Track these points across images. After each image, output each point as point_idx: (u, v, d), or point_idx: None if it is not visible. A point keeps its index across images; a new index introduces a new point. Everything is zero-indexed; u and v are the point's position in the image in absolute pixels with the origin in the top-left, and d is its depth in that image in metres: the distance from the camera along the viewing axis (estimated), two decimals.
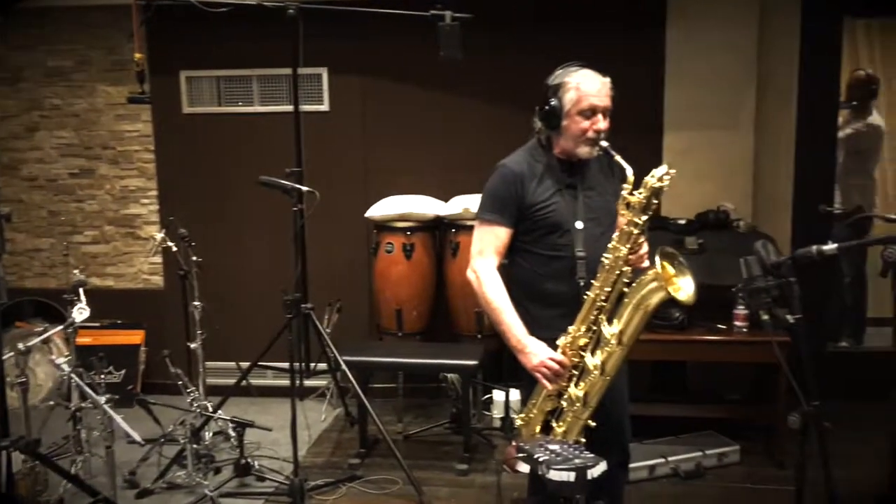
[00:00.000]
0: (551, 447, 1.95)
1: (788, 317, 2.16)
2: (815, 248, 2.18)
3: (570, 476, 1.85)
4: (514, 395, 4.16)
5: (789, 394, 4.00)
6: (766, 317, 2.26)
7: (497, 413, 4.46)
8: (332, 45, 4.64)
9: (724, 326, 3.91)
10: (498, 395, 4.45)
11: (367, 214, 4.56)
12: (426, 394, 4.82)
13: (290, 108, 3.94)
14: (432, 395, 4.82)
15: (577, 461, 1.87)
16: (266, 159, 4.46)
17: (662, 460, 3.78)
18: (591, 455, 1.94)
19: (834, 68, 4.58)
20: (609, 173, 2.63)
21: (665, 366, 4.38)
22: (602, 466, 1.92)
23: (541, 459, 1.90)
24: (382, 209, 4.51)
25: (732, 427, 4.10)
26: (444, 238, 4.60)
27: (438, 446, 4.20)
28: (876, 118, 5.29)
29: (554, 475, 1.87)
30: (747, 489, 3.66)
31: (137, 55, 3.94)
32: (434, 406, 4.73)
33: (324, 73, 4.74)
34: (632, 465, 3.66)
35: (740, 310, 3.86)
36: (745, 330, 3.85)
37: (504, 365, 4.39)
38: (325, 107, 4.78)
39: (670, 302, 2.36)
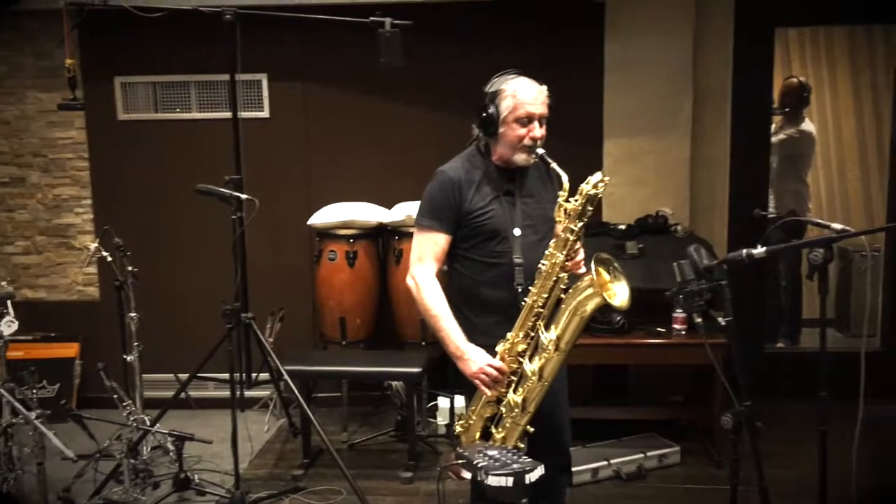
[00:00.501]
0: (490, 453, 1.96)
1: (720, 319, 2.21)
2: (744, 251, 2.23)
3: (509, 481, 1.85)
4: (460, 401, 4.15)
5: (727, 394, 4.11)
6: (699, 319, 2.31)
7: (442, 420, 4.46)
8: (272, 51, 4.59)
9: (663, 330, 3.97)
10: (443, 402, 4.45)
11: (309, 222, 4.52)
12: (371, 402, 4.79)
13: (228, 114, 3.88)
14: (377, 403, 4.79)
15: (515, 466, 1.88)
16: (205, 167, 4.38)
17: (605, 463, 3.82)
18: (529, 460, 1.96)
19: (766, 76, 4.70)
20: (547, 180, 2.66)
21: (607, 369, 4.43)
22: (540, 471, 1.93)
23: (479, 465, 1.90)
24: (325, 217, 4.48)
25: (673, 428, 4.17)
26: (387, 245, 4.58)
27: (383, 455, 4.18)
28: (808, 124, 5.45)
29: (492, 481, 1.87)
30: (687, 489, 3.72)
31: (69, 61, 3.85)
32: (379, 414, 4.70)
33: (263, 79, 4.69)
34: (575, 469, 3.69)
35: (679, 313, 3.93)
36: (683, 333, 3.92)
37: (449, 371, 4.36)
38: (265, 113, 4.73)
39: (608, 307, 2.39)
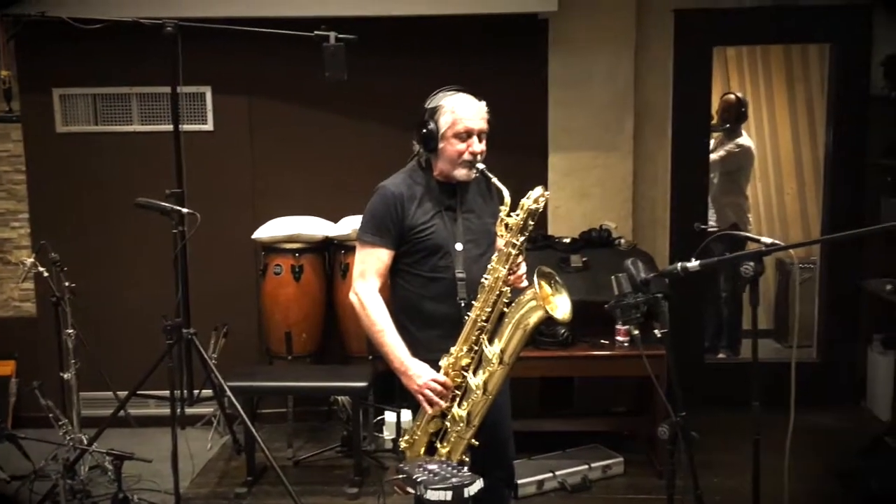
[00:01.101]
0: (430, 467, 1.96)
1: (657, 331, 2.25)
2: (679, 265, 2.28)
3: (448, 495, 1.86)
4: (407, 415, 4.14)
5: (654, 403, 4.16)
6: (636, 332, 2.35)
7: (389, 434, 4.44)
8: (217, 63, 4.55)
9: (606, 342, 4.03)
10: (390, 417, 4.43)
11: (254, 236, 4.47)
12: (318, 417, 4.75)
13: (170, 127, 3.82)
14: (324, 418, 4.76)
15: (454, 480, 1.88)
16: (146, 180, 4.31)
17: (550, 475, 3.85)
18: (469, 473, 1.97)
19: (705, 94, 4.82)
20: (487, 195, 2.68)
21: (553, 382, 4.47)
22: (479, 484, 1.94)
23: (419, 480, 1.90)
24: (270, 230, 4.44)
25: (618, 439, 4.22)
26: (333, 259, 4.56)
27: (329, 470, 4.14)
28: (746, 139, 5.60)
29: (432, 495, 1.88)
30: (630, 500, 3.77)
31: (4, 72, 3.76)
32: (326, 430, 4.66)
33: (207, 91, 4.64)
34: (520, 481, 3.73)
35: (622, 325, 3.99)
36: (626, 344, 3.98)
37: (396, 386, 4.37)
38: (209, 126, 4.67)
39: (551, 319, 2.42)
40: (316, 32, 3.68)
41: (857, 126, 4.69)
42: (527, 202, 2.43)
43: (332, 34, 3.68)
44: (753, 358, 2.35)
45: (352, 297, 2.59)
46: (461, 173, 2.57)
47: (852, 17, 4.65)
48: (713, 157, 5.47)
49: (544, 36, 4.62)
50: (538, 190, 2.45)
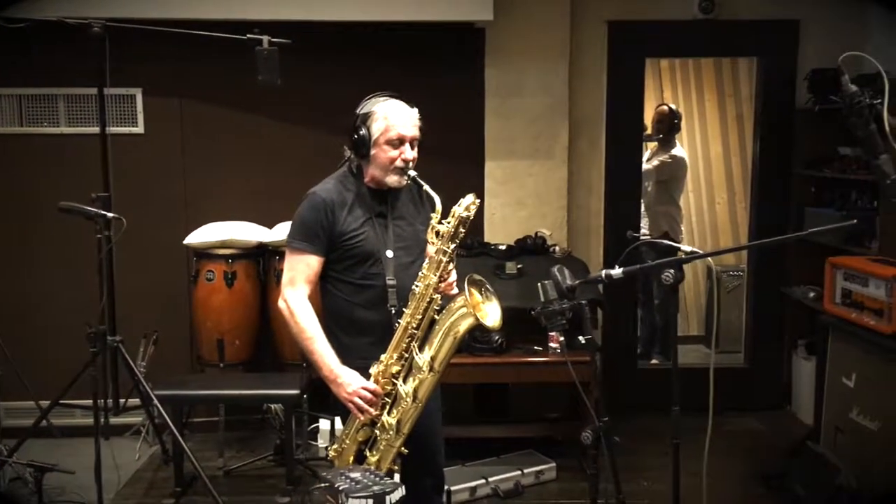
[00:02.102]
0: (352, 476, 1.95)
1: (581, 338, 2.29)
2: (603, 272, 2.33)
3: (368, 503, 1.85)
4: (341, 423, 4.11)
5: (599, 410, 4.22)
6: (562, 338, 2.38)
7: (323, 442, 4.39)
8: (148, 65, 4.46)
9: (540, 348, 4.06)
10: (324, 424, 4.39)
11: (186, 241, 4.39)
12: (252, 426, 4.68)
13: (98, 129, 3.73)
14: (258, 426, 4.68)
15: (375, 488, 1.88)
16: (73, 183, 4.17)
17: (483, 481, 3.86)
18: (391, 481, 1.96)
19: (637, 104, 4.92)
20: (419, 202, 2.68)
21: (488, 388, 4.49)
22: (400, 492, 1.94)
23: (341, 488, 1.89)
24: (202, 236, 4.36)
25: (552, 445, 4.26)
26: (268, 265, 4.50)
27: (261, 480, 4.08)
28: (679, 150, 5.73)
29: (353, 503, 1.86)
30: None
31: None
32: (259, 438, 4.59)
33: (138, 94, 4.54)
34: (454, 488, 3.74)
35: (548, 331, 4.02)
36: (559, 350, 4.01)
37: (331, 393, 4.33)
38: (139, 129, 4.57)
39: (482, 327, 2.43)
40: (248, 36, 3.65)
41: (783, 138, 4.84)
42: (458, 210, 2.44)
43: (266, 38, 3.66)
44: (673, 363, 2.41)
45: (281, 304, 2.57)
46: (393, 180, 2.56)
47: (779, 31, 4.80)
48: (647, 166, 5.58)
49: (482, 45, 4.65)
50: (469, 197, 2.46)
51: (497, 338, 3.99)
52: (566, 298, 2.31)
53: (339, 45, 4.56)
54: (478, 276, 2.47)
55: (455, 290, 2.52)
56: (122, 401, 3.82)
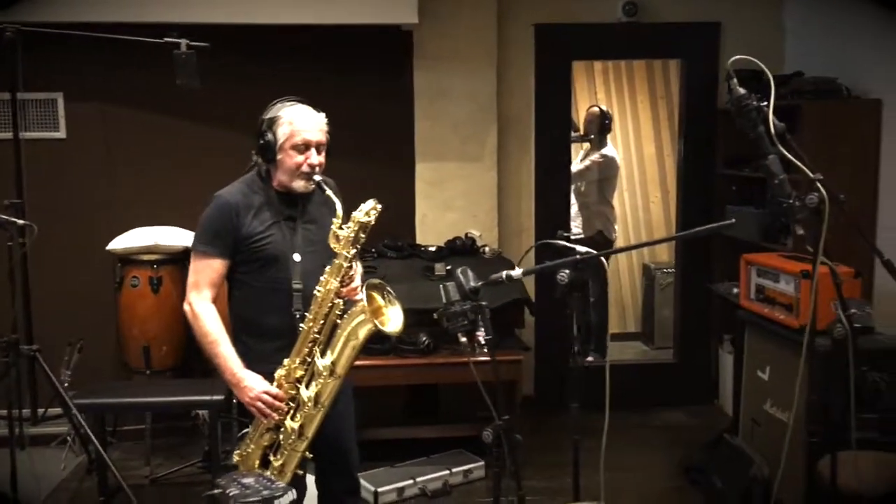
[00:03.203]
0: (244, 481, 1.96)
1: (481, 337, 2.32)
2: (504, 273, 2.36)
3: None
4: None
5: (523, 407, 4.28)
6: (463, 339, 2.41)
7: None
8: (69, 69, 4.40)
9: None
10: None
11: (109, 247, 4.33)
12: (181, 433, 4.63)
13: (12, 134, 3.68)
14: (188, 433, 4.64)
15: (265, 493, 1.89)
16: None
17: (411, 482, 3.87)
18: (282, 485, 1.97)
19: (565, 105, 4.99)
20: (332, 206, 2.69)
21: (419, 389, 4.51)
22: (291, 496, 1.94)
23: (231, 494, 1.89)
24: (126, 241, 4.31)
25: (482, 444, 4.28)
26: None
27: (188, 487, 4.05)
28: (611, 150, 5.82)
29: None
30: (489, 503, 3.83)
31: None
32: (190, 445, 4.53)
33: (59, 98, 4.47)
34: (381, 489, 3.76)
35: (481, 332, 4.05)
36: (485, 351, 4.04)
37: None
38: (61, 134, 4.51)
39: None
40: (166, 39, 3.63)
41: (706, 138, 4.94)
42: (358, 215, 2.45)
43: (184, 41, 3.64)
44: (575, 362, 2.45)
45: (185, 307, 2.56)
46: (299, 185, 2.57)
47: (701, 33, 4.90)
48: (579, 166, 5.66)
49: (410, 48, 4.67)
50: (370, 203, 2.48)
51: (424, 339, 4.01)
52: (469, 300, 2.34)
53: (267, 49, 4.54)
54: (378, 280, 2.49)
55: (360, 296, 2.53)
56: (41, 410, 3.76)
